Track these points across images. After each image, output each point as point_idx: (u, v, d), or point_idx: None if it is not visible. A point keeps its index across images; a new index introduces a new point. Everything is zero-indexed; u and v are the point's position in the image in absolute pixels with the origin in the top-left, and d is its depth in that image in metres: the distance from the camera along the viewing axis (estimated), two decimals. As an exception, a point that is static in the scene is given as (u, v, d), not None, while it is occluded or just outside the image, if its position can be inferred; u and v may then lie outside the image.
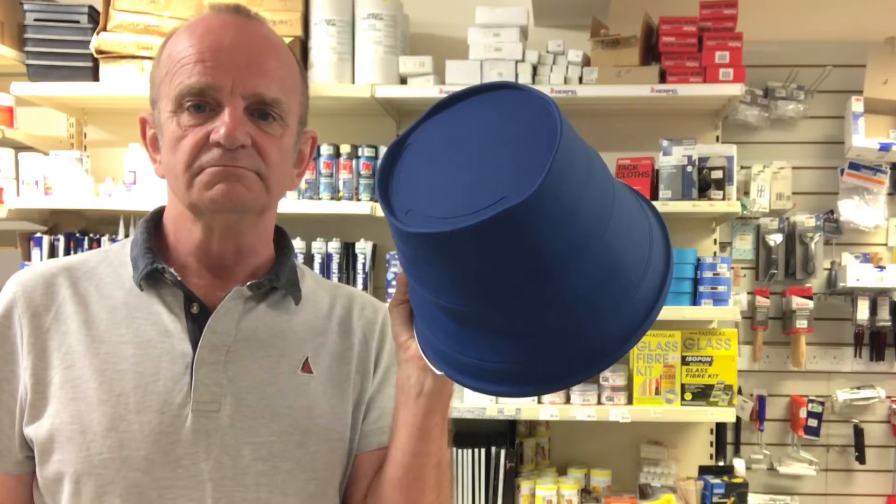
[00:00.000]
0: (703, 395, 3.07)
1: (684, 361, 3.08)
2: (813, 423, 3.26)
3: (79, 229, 3.28)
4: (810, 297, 3.25)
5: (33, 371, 1.09)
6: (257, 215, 1.14)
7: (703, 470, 3.19)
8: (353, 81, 3.11)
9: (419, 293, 0.97)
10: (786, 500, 3.27)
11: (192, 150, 1.07)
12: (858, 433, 3.29)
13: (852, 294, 3.28)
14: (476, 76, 3.07)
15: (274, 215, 1.21)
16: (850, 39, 3.27)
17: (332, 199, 3.12)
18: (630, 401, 3.10)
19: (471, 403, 3.03)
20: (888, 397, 3.31)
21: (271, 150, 1.10)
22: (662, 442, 3.30)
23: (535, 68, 3.10)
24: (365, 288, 3.16)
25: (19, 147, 3.21)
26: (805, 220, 3.31)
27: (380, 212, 3.06)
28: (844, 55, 3.27)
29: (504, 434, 3.25)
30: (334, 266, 3.14)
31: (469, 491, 3.09)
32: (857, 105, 3.20)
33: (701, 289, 3.05)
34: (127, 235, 3.13)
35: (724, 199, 3.03)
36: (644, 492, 3.14)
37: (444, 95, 0.97)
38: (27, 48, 3.14)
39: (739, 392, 3.25)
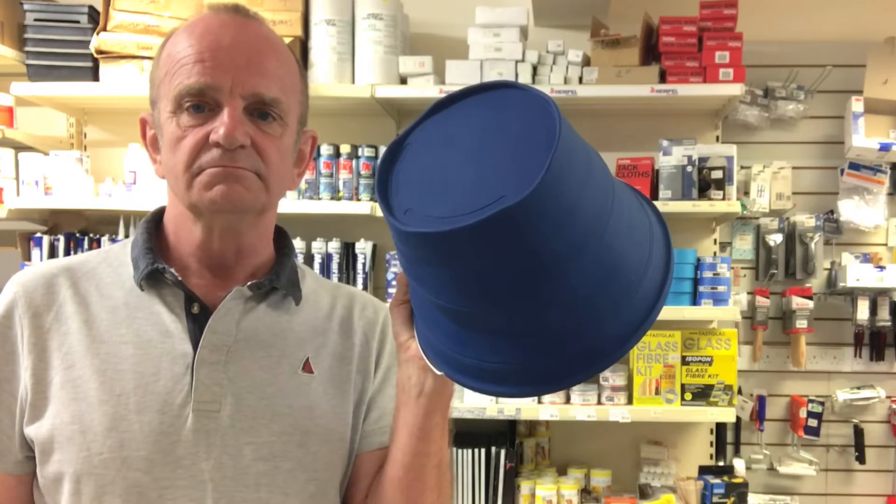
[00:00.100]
0: (703, 395, 3.07)
1: (684, 361, 3.08)
2: (813, 423, 3.26)
3: (79, 229, 3.28)
4: (810, 297, 3.25)
5: (34, 371, 1.09)
6: (257, 215, 1.14)
7: (703, 470, 3.19)
8: (353, 81, 3.11)
9: (419, 293, 0.97)
10: (786, 500, 3.27)
11: (191, 150, 1.07)
12: (858, 433, 3.29)
13: (852, 294, 3.28)
14: (476, 76, 3.07)
15: (274, 215, 1.21)
16: (850, 39, 3.27)
17: (332, 199, 3.12)
18: (630, 401, 3.10)
19: (471, 403, 3.04)
20: (888, 397, 3.31)
21: (271, 149, 1.10)
22: (662, 442, 3.30)
23: (535, 68, 3.10)
24: (365, 288, 3.16)
25: (19, 147, 3.21)
26: (805, 220, 3.31)
27: (380, 212, 3.05)
28: (844, 55, 3.27)
29: (504, 434, 3.25)
30: (334, 266, 3.14)
31: (469, 491, 3.09)
32: (857, 105, 3.20)
33: (701, 289, 3.05)
34: (127, 235, 3.13)
35: (724, 199, 3.03)
36: (644, 492, 3.14)
37: (444, 95, 0.97)
38: (27, 48, 3.14)
39: (739, 392, 3.25)
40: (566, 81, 3.07)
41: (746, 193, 3.29)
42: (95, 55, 3.10)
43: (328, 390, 1.17)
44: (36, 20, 3.13)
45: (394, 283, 3.15)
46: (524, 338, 0.89)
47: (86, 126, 3.48)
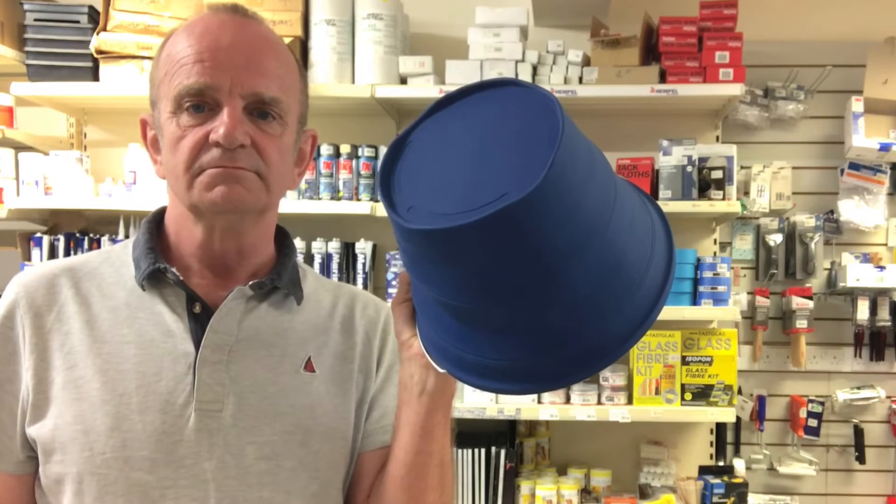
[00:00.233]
0: (703, 395, 3.07)
1: (684, 361, 3.08)
2: (813, 423, 3.26)
3: (79, 229, 3.28)
4: (810, 297, 3.25)
5: (35, 371, 1.09)
6: (258, 215, 1.14)
7: (703, 470, 3.19)
8: (353, 81, 3.11)
9: (421, 291, 0.97)
10: (786, 500, 3.27)
11: (191, 150, 1.07)
12: (858, 433, 3.29)
13: (852, 294, 3.28)
14: (476, 76, 3.07)
15: (275, 215, 1.21)
16: (850, 39, 3.27)
17: (332, 199, 3.12)
18: (630, 401, 3.10)
19: (471, 403, 3.04)
20: (888, 397, 3.31)
21: (271, 149, 1.10)
22: (662, 442, 3.30)
23: (535, 68, 3.10)
24: (365, 288, 3.16)
25: (19, 147, 3.21)
26: (805, 220, 3.31)
27: (380, 212, 3.08)
28: (844, 55, 3.27)
29: (504, 434, 3.25)
30: (334, 266, 3.14)
31: (469, 491, 3.09)
32: (857, 105, 3.20)
33: (701, 289, 3.05)
34: (127, 236, 3.13)
35: (724, 199, 3.03)
36: (644, 492, 3.14)
37: (440, 97, 0.97)
38: (27, 48, 3.14)
39: (739, 392, 3.25)
40: (566, 81, 3.07)
41: (746, 193, 3.29)
42: (95, 55, 3.10)
43: (330, 389, 1.17)
44: (36, 20, 3.13)
45: (394, 282, 3.15)
46: (526, 335, 0.89)
47: (86, 126, 3.48)
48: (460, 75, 3.06)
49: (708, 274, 3.04)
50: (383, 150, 3.13)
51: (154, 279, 1.13)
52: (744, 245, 3.36)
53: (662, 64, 3.05)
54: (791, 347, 3.31)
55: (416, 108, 3.24)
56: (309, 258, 3.13)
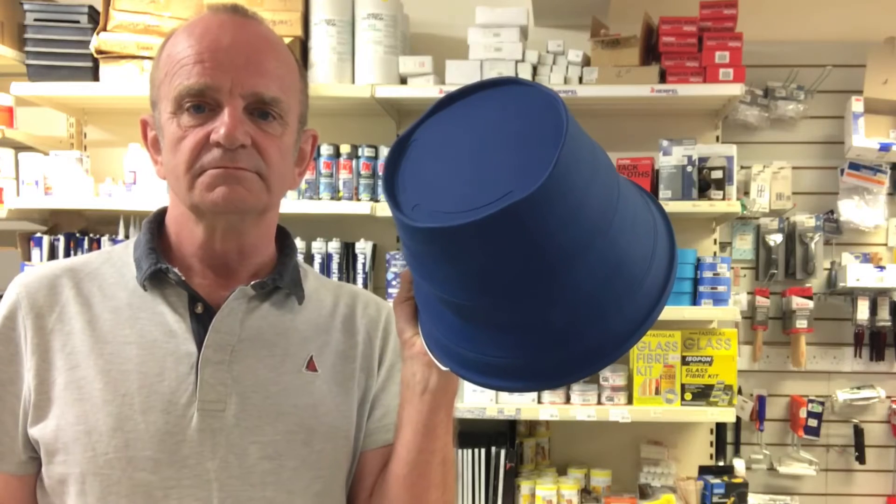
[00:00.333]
0: (703, 395, 3.07)
1: (684, 361, 3.08)
2: (813, 423, 3.26)
3: (79, 229, 3.28)
4: (810, 297, 3.25)
5: (37, 372, 1.09)
6: (259, 215, 1.14)
7: (703, 470, 3.19)
8: (353, 81, 3.11)
9: (424, 289, 0.97)
10: (786, 500, 3.27)
11: (192, 150, 1.07)
12: (858, 433, 3.29)
13: (852, 294, 3.28)
14: (476, 76, 3.07)
15: (276, 214, 1.21)
16: (850, 39, 3.27)
17: (332, 199, 3.12)
18: (630, 401, 3.10)
19: (471, 403, 3.04)
20: (888, 397, 3.31)
21: (271, 149, 1.10)
22: (662, 442, 3.30)
23: (535, 68, 3.10)
24: (365, 287, 3.15)
25: (19, 147, 3.21)
26: (805, 220, 3.31)
27: (380, 212, 3.08)
28: (844, 55, 3.27)
29: (504, 434, 3.25)
30: (334, 266, 3.14)
31: (469, 491, 3.09)
32: (857, 105, 3.20)
33: (701, 289, 3.05)
34: (127, 236, 3.13)
35: (724, 199, 3.03)
36: (644, 492, 3.14)
37: (443, 95, 0.97)
38: (27, 48, 3.14)
39: (739, 392, 3.26)
40: (566, 81, 3.07)
41: (746, 193, 3.29)
42: (95, 55, 3.10)
43: (332, 388, 1.18)
44: (36, 20, 3.13)
45: (394, 282, 3.15)
46: (528, 333, 0.90)
47: (86, 126, 3.48)
48: (460, 75, 3.06)
49: (708, 274, 3.04)
50: (383, 151, 3.13)
51: (156, 279, 1.13)
52: (744, 245, 3.36)
53: (662, 64, 3.05)
54: (791, 347, 3.31)
55: (416, 108, 3.24)
56: (309, 258, 3.13)
